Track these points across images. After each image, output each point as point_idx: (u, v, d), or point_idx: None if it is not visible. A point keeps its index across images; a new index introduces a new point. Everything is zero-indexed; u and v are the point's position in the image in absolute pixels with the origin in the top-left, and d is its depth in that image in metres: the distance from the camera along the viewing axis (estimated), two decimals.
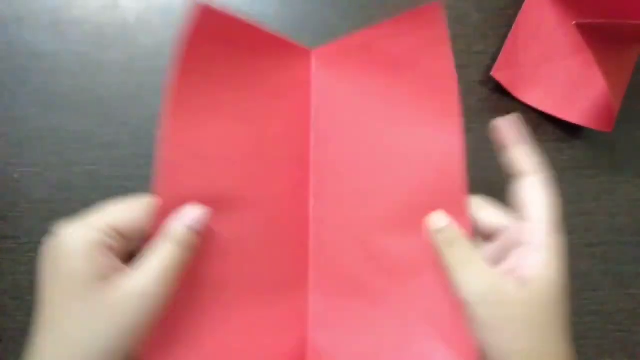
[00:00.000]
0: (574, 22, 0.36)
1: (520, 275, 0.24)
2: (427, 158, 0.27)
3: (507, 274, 0.24)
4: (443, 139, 0.27)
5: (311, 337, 0.26)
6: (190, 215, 0.23)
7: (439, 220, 0.26)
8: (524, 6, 0.36)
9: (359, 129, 0.27)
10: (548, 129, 0.37)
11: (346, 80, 0.28)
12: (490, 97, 0.37)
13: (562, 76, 0.36)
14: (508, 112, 0.37)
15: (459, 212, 0.26)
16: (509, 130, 0.28)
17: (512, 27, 0.36)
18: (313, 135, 0.28)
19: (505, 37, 0.36)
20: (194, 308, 0.23)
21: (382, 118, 0.27)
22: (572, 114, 0.36)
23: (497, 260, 0.26)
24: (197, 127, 0.24)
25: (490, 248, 0.26)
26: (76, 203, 0.33)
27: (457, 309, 0.24)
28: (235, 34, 0.24)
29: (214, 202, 0.24)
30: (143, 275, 0.21)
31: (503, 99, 0.36)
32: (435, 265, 0.25)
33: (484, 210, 0.27)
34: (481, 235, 0.27)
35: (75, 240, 0.21)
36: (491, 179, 0.36)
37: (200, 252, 0.23)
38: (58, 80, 0.34)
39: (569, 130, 0.37)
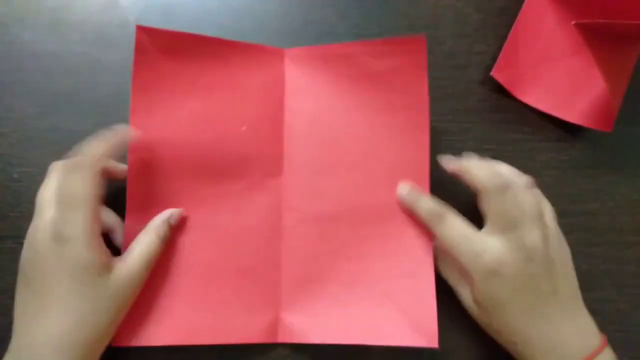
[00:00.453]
0: (573, 22, 0.36)
1: None
2: (396, 165, 0.29)
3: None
4: (411, 149, 0.29)
5: (283, 317, 0.29)
6: (167, 213, 0.29)
7: (404, 186, 0.31)
8: (524, 6, 0.36)
9: (331, 125, 0.29)
10: (548, 129, 0.37)
11: (321, 82, 0.30)
12: (490, 97, 0.37)
13: (562, 76, 0.36)
14: (508, 112, 0.37)
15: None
16: (452, 162, 0.31)
17: (512, 27, 0.36)
18: (286, 131, 0.30)
19: (505, 37, 0.36)
20: (167, 289, 0.28)
21: (354, 119, 0.29)
22: (572, 114, 0.36)
23: None
24: (159, 132, 0.27)
25: None
26: None
27: (422, 290, 0.28)
28: (188, 46, 0.27)
29: (184, 197, 0.28)
30: (134, 261, 0.27)
31: (503, 99, 0.36)
32: (399, 247, 0.29)
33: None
34: None
35: (77, 232, 0.25)
36: None
37: (175, 240, 0.28)
38: (58, 80, 0.34)
39: (569, 130, 0.37)
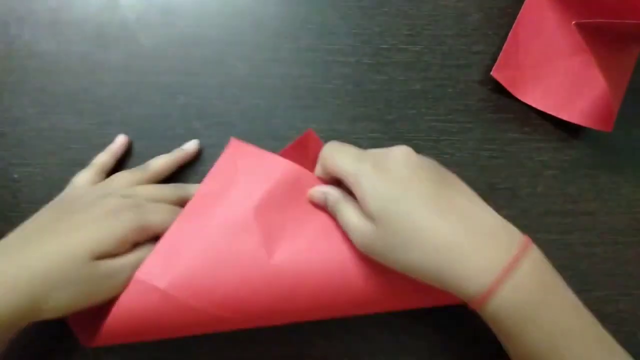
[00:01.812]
0: (573, 22, 0.36)
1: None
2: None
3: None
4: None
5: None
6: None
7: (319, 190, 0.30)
8: (524, 6, 0.36)
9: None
10: (548, 129, 0.37)
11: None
12: (490, 97, 0.37)
13: (562, 76, 0.36)
14: (508, 112, 0.37)
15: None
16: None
17: (512, 27, 0.36)
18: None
19: (505, 37, 0.36)
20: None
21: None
22: (572, 114, 0.36)
23: None
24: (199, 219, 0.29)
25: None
26: None
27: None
28: (258, 165, 0.30)
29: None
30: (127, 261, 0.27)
31: (503, 99, 0.36)
32: None
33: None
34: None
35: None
36: (490, 178, 0.36)
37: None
38: (58, 80, 0.34)
39: (569, 130, 0.37)
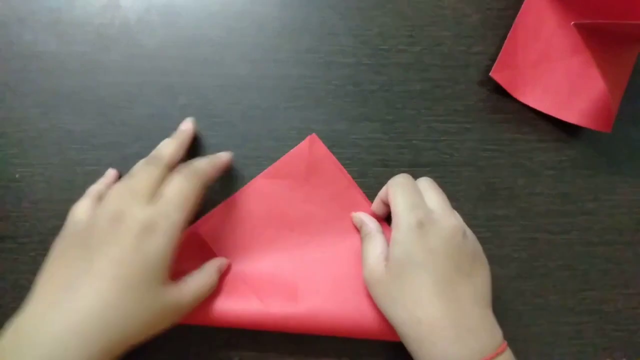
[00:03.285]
0: (573, 23, 0.36)
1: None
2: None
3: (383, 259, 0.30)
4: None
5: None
6: (222, 260, 0.32)
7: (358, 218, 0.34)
8: (524, 7, 0.36)
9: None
10: (548, 129, 0.37)
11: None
12: (490, 97, 0.37)
13: (561, 76, 0.36)
14: (508, 112, 0.37)
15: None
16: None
17: (512, 28, 0.36)
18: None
19: (504, 37, 0.36)
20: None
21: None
22: (571, 115, 0.36)
23: None
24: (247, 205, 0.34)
25: None
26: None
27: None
28: (324, 167, 0.35)
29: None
30: (188, 292, 0.28)
31: (502, 99, 0.37)
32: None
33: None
34: None
35: (170, 230, 0.27)
36: (490, 178, 0.37)
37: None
38: (59, 80, 0.34)
39: (569, 130, 0.37)
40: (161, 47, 0.35)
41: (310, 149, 0.34)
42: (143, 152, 0.34)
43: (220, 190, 0.34)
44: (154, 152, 0.30)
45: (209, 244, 0.33)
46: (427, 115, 0.36)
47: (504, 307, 0.35)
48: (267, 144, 0.35)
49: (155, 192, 0.27)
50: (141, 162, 0.29)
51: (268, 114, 0.35)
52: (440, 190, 0.32)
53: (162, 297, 0.26)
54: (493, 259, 0.35)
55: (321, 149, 0.35)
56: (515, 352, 0.35)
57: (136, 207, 0.26)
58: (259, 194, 0.34)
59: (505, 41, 0.36)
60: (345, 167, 0.35)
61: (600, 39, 0.35)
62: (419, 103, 0.36)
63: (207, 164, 0.30)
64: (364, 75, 0.36)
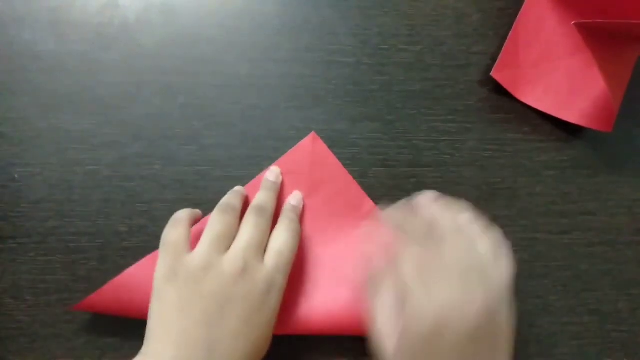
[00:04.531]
0: (573, 22, 0.36)
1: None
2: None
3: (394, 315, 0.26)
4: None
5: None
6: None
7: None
8: (524, 6, 0.36)
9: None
10: (548, 129, 0.37)
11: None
12: (490, 97, 0.37)
13: (562, 76, 0.36)
14: (508, 112, 0.37)
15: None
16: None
17: (512, 27, 0.36)
18: None
19: (505, 37, 0.36)
20: None
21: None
22: (572, 114, 0.36)
23: None
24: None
25: None
26: (76, 203, 0.33)
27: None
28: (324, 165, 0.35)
29: None
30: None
31: (503, 99, 0.36)
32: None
33: None
34: None
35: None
36: (490, 178, 0.36)
37: None
38: (58, 80, 0.34)
39: (569, 130, 0.37)
40: (160, 46, 0.35)
41: (313, 145, 0.35)
42: (142, 152, 0.34)
43: (220, 190, 0.34)
44: (257, 203, 0.30)
45: None
46: (428, 115, 0.36)
47: None
48: (266, 144, 0.35)
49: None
50: (250, 213, 0.29)
51: (268, 114, 0.35)
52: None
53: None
54: None
55: (322, 146, 0.35)
56: (516, 352, 0.35)
57: (258, 263, 0.27)
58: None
59: (506, 41, 0.36)
60: (345, 167, 0.35)
61: (601, 38, 0.35)
62: (419, 103, 0.36)
63: (296, 213, 0.32)
64: (364, 75, 0.36)
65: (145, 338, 0.26)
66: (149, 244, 0.33)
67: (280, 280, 0.27)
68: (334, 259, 0.33)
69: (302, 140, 0.35)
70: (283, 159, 0.34)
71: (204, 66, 0.35)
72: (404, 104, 0.36)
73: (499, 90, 0.36)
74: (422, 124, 0.36)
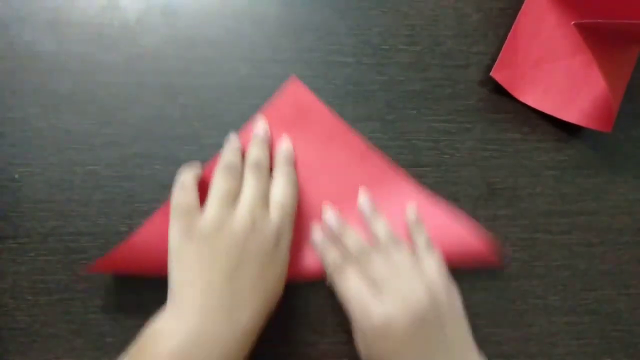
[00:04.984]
0: (573, 22, 0.36)
1: None
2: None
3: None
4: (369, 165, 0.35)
5: None
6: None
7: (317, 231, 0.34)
8: (524, 6, 0.36)
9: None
10: (548, 129, 0.37)
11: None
12: (490, 97, 0.37)
13: (562, 76, 0.36)
14: (508, 112, 0.37)
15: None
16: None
17: (512, 27, 0.36)
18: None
19: (504, 37, 0.36)
20: None
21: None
22: (572, 114, 0.36)
23: None
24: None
25: None
26: (76, 203, 0.33)
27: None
28: (308, 109, 0.35)
29: None
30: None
31: (503, 99, 0.36)
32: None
33: None
34: None
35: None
36: (490, 178, 0.36)
37: None
38: (58, 80, 0.34)
39: (569, 130, 0.37)
40: (161, 47, 0.35)
41: (294, 90, 0.35)
42: (143, 152, 0.34)
43: None
44: (253, 159, 0.31)
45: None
46: (428, 115, 0.36)
47: (504, 307, 0.35)
48: None
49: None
50: (249, 170, 0.30)
51: None
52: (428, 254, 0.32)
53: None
54: None
55: (303, 89, 0.35)
56: (516, 352, 0.35)
57: (265, 218, 0.29)
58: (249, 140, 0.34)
59: (506, 41, 0.36)
60: None
61: (601, 38, 0.35)
62: (419, 103, 0.36)
63: (289, 160, 0.33)
64: (364, 74, 0.36)
65: (169, 295, 0.27)
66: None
67: (287, 231, 0.30)
68: (330, 198, 0.34)
69: (283, 86, 0.35)
70: (267, 108, 0.34)
71: (204, 67, 0.35)
72: (404, 104, 0.36)
73: (499, 90, 0.36)
74: (422, 124, 0.36)
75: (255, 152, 0.32)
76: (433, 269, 0.31)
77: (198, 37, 0.35)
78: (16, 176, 0.33)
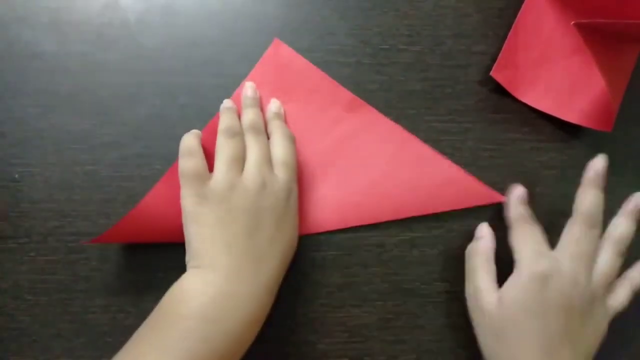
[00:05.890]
0: (573, 22, 0.36)
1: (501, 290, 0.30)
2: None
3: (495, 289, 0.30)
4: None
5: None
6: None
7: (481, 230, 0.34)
8: (524, 6, 0.36)
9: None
10: (548, 129, 0.37)
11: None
12: (490, 97, 0.37)
13: (562, 76, 0.36)
14: (508, 112, 0.37)
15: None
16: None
17: (512, 27, 0.36)
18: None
19: (505, 37, 0.36)
20: None
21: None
22: (572, 114, 0.36)
23: None
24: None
25: None
26: (76, 203, 0.33)
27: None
28: (296, 70, 0.35)
29: None
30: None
31: (503, 99, 0.36)
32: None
33: None
34: None
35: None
36: (491, 178, 0.36)
37: None
38: (58, 80, 0.34)
39: (569, 130, 0.37)
40: (161, 47, 0.35)
41: (277, 53, 0.35)
42: (143, 152, 0.34)
43: None
44: (250, 122, 0.32)
45: (210, 158, 0.33)
46: (428, 115, 0.36)
47: None
48: None
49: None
50: (249, 133, 0.31)
51: None
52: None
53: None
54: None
55: (288, 50, 0.35)
56: None
57: (273, 176, 0.30)
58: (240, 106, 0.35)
59: (506, 41, 0.36)
60: None
61: (601, 38, 0.35)
62: (419, 103, 0.36)
63: (281, 119, 0.34)
64: (364, 75, 0.36)
65: (190, 257, 0.28)
66: (149, 243, 0.33)
67: (294, 186, 0.31)
68: (324, 153, 0.35)
69: (267, 49, 0.35)
70: (253, 72, 0.35)
71: (204, 67, 0.35)
72: (404, 104, 0.36)
73: (499, 90, 0.36)
74: (422, 123, 0.36)
75: (250, 114, 0.32)
76: (606, 274, 0.30)
77: (198, 37, 0.35)
78: (16, 176, 0.33)
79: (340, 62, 0.36)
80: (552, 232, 0.36)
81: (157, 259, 0.33)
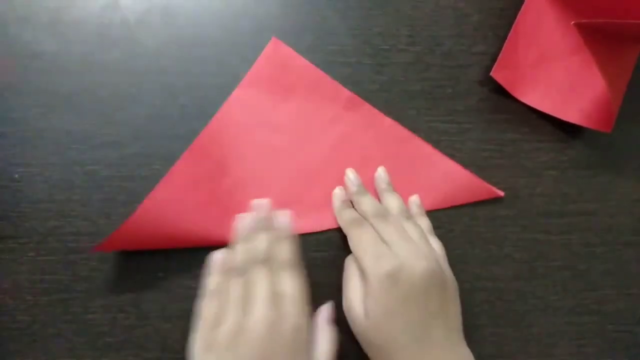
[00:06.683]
0: (573, 22, 0.36)
1: None
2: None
3: None
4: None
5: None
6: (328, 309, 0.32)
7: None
8: (524, 6, 0.36)
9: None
10: (548, 129, 0.37)
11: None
12: (490, 97, 0.37)
13: (562, 76, 0.36)
14: (508, 112, 0.37)
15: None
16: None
17: (512, 27, 0.36)
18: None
19: (504, 37, 0.36)
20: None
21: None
22: (572, 114, 0.36)
23: None
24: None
25: None
26: (76, 203, 0.33)
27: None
28: (293, 68, 0.35)
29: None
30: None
31: (503, 99, 0.36)
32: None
33: None
34: None
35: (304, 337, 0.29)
36: (490, 178, 0.36)
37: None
38: (58, 80, 0.34)
39: (569, 130, 0.37)
40: (161, 47, 0.35)
41: (275, 52, 0.35)
42: (143, 152, 0.34)
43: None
44: (262, 255, 0.30)
45: (209, 160, 0.34)
46: (428, 115, 0.36)
47: (504, 307, 0.35)
48: None
49: None
50: (257, 265, 0.30)
51: None
52: (419, 220, 0.33)
53: None
54: (493, 259, 0.35)
55: (286, 49, 0.35)
56: (516, 352, 0.35)
57: (280, 315, 0.28)
58: (241, 106, 0.35)
59: (506, 41, 0.36)
60: None
61: (601, 38, 0.35)
62: (419, 103, 0.36)
63: (291, 249, 0.31)
64: (364, 75, 0.36)
65: None
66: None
67: (304, 322, 0.29)
68: (323, 152, 0.35)
69: (265, 48, 0.35)
70: (251, 71, 0.35)
71: (204, 67, 0.35)
72: (404, 104, 0.36)
73: (499, 90, 0.36)
74: (422, 124, 0.36)
75: (262, 246, 0.31)
76: (439, 250, 0.32)
77: (198, 37, 0.35)
78: (16, 176, 0.33)
79: (341, 62, 0.36)
80: (552, 232, 0.36)
81: (157, 259, 0.33)
